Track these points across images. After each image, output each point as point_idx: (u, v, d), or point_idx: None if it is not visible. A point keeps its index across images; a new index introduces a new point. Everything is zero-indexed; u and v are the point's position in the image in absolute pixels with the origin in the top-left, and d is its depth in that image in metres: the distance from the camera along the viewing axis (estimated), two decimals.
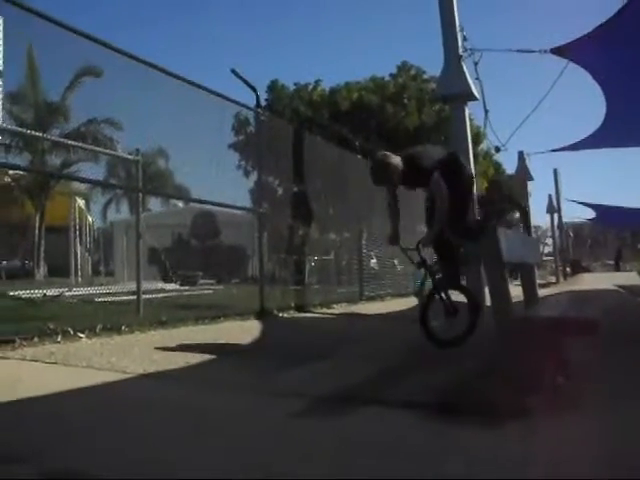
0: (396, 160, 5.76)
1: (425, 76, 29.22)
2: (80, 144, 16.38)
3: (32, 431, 2.99)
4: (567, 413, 3.23)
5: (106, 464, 2.56)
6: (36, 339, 5.48)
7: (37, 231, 27.98)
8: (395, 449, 2.84)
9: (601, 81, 10.72)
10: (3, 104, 5.86)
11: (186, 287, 16.92)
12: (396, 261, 14.51)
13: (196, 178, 9.02)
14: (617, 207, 27.43)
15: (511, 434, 2.99)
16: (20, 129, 16.19)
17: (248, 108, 9.90)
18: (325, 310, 10.19)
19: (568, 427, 3.03)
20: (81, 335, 5.93)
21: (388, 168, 5.73)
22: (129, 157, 9.09)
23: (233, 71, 9.29)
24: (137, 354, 5.20)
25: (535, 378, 3.79)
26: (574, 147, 16.17)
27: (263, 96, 17.82)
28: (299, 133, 11.25)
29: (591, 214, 33.97)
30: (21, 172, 24.58)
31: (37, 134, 17.51)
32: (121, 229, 25.67)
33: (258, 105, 9.95)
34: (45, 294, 11.41)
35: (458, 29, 9.63)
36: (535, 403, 3.35)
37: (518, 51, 11.10)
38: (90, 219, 26.50)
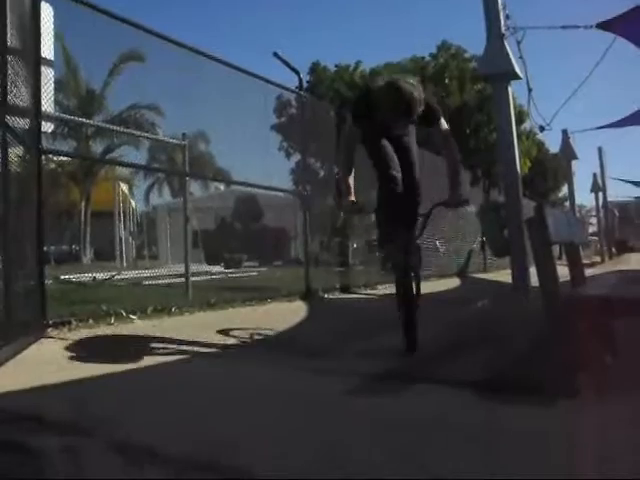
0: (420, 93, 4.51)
1: (466, 55, 28.98)
2: (128, 130, 16.59)
3: (100, 407, 3.09)
4: (617, 392, 3.24)
5: (172, 437, 2.65)
6: (91, 321, 5.61)
7: (83, 216, 28.47)
8: (446, 426, 2.89)
9: None
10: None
11: (231, 269, 17.07)
12: (437, 242, 14.49)
13: (238, 161, 9.08)
14: None
15: (561, 413, 3.01)
16: (69, 116, 16.46)
17: (291, 90, 9.94)
18: (369, 291, 10.22)
19: (617, 407, 3.05)
20: (133, 317, 6.06)
21: (416, 103, 4.45)
22: (175, 142, 9.20)
23: (275, 54, 9.33)
24: (189, 334, 5.32)
25: (584, 357, 3.79)
26: (620, 124, 15.98)
27: (305, 78, 17.82)
28: (340, 114, 11.26)
29: (638, 193, 33.48)
30: (65, 158, 24.85)
31: (83, 120, 17.81)
32: (164, 213, 25.92)
33: (300, 87, 9.98)
34: (95, 278, 11.62)
35: (501, 7, 9.56)
36: (584, 382, 3.37)
37: (562, 27, 10.95)
38: (133, 203, 26.85)
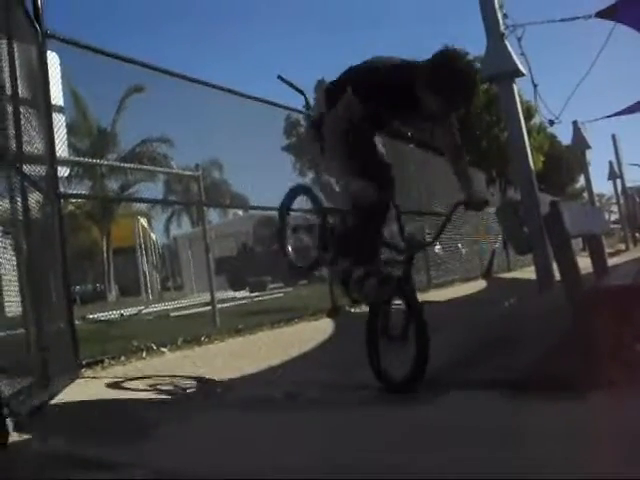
0: None
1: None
2: (139, 166, 16.75)
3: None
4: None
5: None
6: (123, 357, 5.67)
7: (105, 254, 28.68)
8: (481, 430, 2.92)
9: None
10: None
11: (256, 293, 17.13)
12: (460, 245, 14.48)
13: (253, 184, 9.14)
14: None
15: (595, 406, 3.01)
16: (84, 159, 16.68)
17: (297, 111, 10.02)
18: (395, 302, 10.21)
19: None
20: (164, 349, 6.11)
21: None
22: (189, 173, 9.30)
23: (280, 77, 9.41)
24: (220, 363, 5.37)
25: (612, 349, 3.80)
26: (630, 110, 15.93)
27: (312, 95, 17.88)
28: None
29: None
30: (82, 199, 25.13)
31: (97, 162, 18.00)
32: (185, 243, 26.10)
33: (307, 106, 10.05)
34: (122, 314, 11.72)
35: (497, 6, 9.59)
36: (615, 374, 3.37)
37: (561, 20, 10.96)
38: (154, 236, 27.03)
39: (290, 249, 4.73)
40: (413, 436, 2.96)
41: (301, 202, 4.93)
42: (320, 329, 7.27)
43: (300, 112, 10.02)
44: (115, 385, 4.69)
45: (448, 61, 3.79)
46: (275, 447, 2.91)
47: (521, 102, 10.66)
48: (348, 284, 4.24)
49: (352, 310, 8.93)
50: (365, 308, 9.21)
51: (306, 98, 9.88)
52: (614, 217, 39.28)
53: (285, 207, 4.92)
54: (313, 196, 4.69)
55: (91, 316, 11.30)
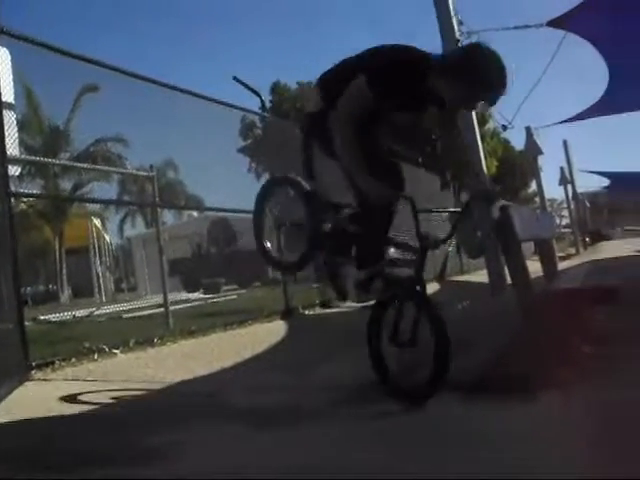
0: None
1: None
2: (93, 166, 16.60)
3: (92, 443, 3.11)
4: (598, 381, 3.32)
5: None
6: (74, 359, 5.61)
7: (57, 254, 28.24)
8: (437, 428, 2.96)
9: (601, 47, 10.77)
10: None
11: (210, 295, 17.06)
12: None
13: (208, 186, 9.12)
14: (631, 172, 27.36)
15: (547, 407, 3.07)
16: (35, 158, 16.43)
17: (253, 112, 10.02)
18: (349, 304, 10.25)
19: (602, 395, 3.12)
20: (116, 351, 6.06)
21: None
22: (143, 174, 9.24)
23: (235, 78, 9.40)
24: (172, 364, 5.35)
25: (561, 349, 3.87)
26: (580, 117, 16.21)
27: (267, 98, 17.87)
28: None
29: (606, 182, 33.85)
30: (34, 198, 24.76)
31: (49, 160, 17.76)
32: (139, 244, 25.87)
33: (263, 108, 10.07)
34: (74, 315, 11.57)
35: (453, 14, 9.70)
36: (564, 374, 3.44)
37: (515, 28, 11.12)
38: (107, 237, 26.74)
39: (270, 245, 4.51)
40: (360, 437, 2.99)
41: (283, 195, 4.54)
42: (274, 331, 7.27)
43: (256, 113, 10.03)
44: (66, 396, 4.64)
45: (485, 52, 3.57)
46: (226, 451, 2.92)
47: None
48: (338, 281, 4.22)
49: (306, 312, 8.97)
50: (320, 310, 9.35)
51: (262, 99, 9.90)
52: (565, 222, 39.92)
53: (263, 199, 4.55)
54: (300, 188, 4.24)
55: (42, 317, 11.16)
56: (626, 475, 2.19)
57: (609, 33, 10.07)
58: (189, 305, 12.50)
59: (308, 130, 4.16)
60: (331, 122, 3.72)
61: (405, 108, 3.86)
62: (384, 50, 3.81)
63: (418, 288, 3.69)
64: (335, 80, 3.86)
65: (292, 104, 26.95)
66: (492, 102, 3.65)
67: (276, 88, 28.86)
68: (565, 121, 17.77)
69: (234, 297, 15.31)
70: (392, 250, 4.08)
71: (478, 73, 3.47)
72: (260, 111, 9.94)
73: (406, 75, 3.57)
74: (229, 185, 8.92)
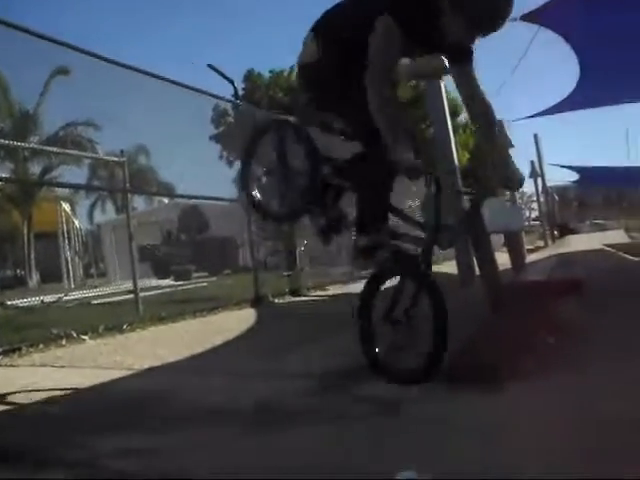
0: None
1: None
2: (62, 150, 16.43)
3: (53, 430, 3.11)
4: (561, 372, 3.38)
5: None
6: (42, 345, 5.59)
7: (26, 239, 27.96)
8: (405, 417, 3.00)
9: (572, 43, 10.85)
10: None
11: (180, 282, 17.01)
12: None
13: (180, 173, 9.10)
14: (599, 167, 27.65)
15: (510, 396, 3.10)
16: (2, 141, 16.24)
17: (226, 100, 9.99)
18: (319, 292, 10.32)
19: (563, 385, 3.18)
20: (84, 337, 6.05)
21: None
22: (114, 159, 9.19)
23: (210, 65, 9.39)
24: (141, 351, 5.34)
25: (526, 340, 3.92)
26: (551, 111, 16.29)
27: (240, 86, 17.81)
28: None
29: (575, 176, 34.14)
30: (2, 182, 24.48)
31: (17, 144, 17.58)
32: (109, 230, 25.71)
33: (236, 96, 10.04)
34: (43, 301, 11.49)
35: None
36: (530, 365, 3.49)
37: None
38: (77, 222, 26.48)
39: (259, 193, 4.06)
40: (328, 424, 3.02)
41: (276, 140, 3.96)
42: (243, 318, 7.28)
43: (229, 101, 10.00)
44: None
45: None
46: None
47: (448, 99, 10.84)
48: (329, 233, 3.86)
49: (276, 300, 9.00)
50: (290, 299, 9.37)
51: (235, 87, 9.88)
52: (534, 214, 40.28)
53: (254, 143, 4.13)
54: (303, 136, 3.78)
55: (10, 303, 11.07)
56: (586, 465, 2.25)
57: (581, 29, 10.15)
58: (159, 292, 12.46)
59: (306, 82, 3.72)
60: (367, 77, 3.21)
61: (422, 52, 3.60)
62: None
63: (423, 266, 3.48)
64: (341, 23, 3.44)
65: (265, 92, 26.85)
66: (495, 27, 3.20)
67: (250, 76, 28.69)
68: (536, 115, 17.85)
69: (204, 284, 15.28)
70: (397, 223, 3.87)
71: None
72: (233, 99, 9.90)
73: (430, 11, 3.17)
74: (200, 172, 8.90)
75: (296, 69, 3.72)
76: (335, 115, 3.75)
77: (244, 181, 4.11)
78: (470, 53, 3.52)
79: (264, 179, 4.09)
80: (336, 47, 3.36)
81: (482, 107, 3.60)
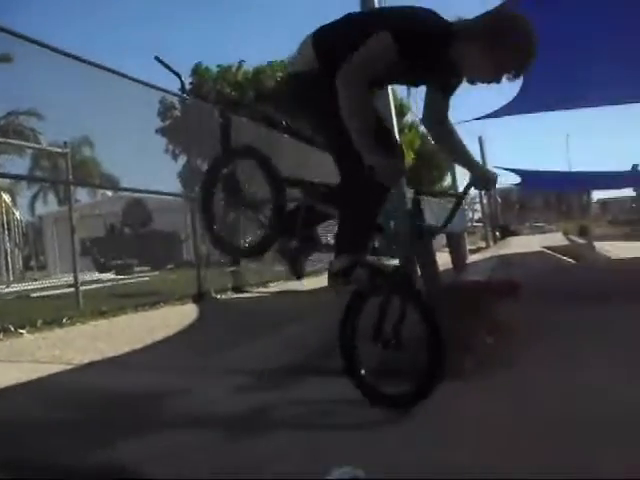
0: None
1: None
2: (4, 139, 16.13)
3: None
4: (497, 371, 3.47)
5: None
6: None
7: None
8: (332, 414, 3.05)
9: None
10: None
11: (122, 276, 16.82)
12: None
13: (125, 165, 9.00)
14: (541, 171, 28.14)
15: (446, 394, 3.16)
16: None
17: (172, 93, 9.93)
18: (262, 289, 10.33)
19: (498, 384, 3.26)
20: (22, 331, 5.96)
21: None
22: (57, 150, 9.06)
23: (157, 58, 9.33)
24: (81, 345, 5.29)
25: (466, 342, 3.99)
26: (495, 114, 16.50)
27: (187, 80, 17.73)
28: (225, 115, 11.28)
29: (517, 179, 34.76)
30: None
31: None
32: (50, 222, 25.28)
33: (183, 89, 9.99)
34: None
35: (377, 2, 9.77)
36: (468, 365, 3.57)
37: None
38: (17, 213, 25.98)
39: (217, 227, 3.88)
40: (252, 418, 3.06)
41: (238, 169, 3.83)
42: (185, 313, 7.25)
43: (174, 94, 9.94)
44: None
45: (513, 18, 3.09)
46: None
47: (394, 98, 10.94)
48: (297, 261, 3.73)
49: (218, 296, 8.98)
50: (232, 295, 9.35)
51: (182, 81, 9.84)
52: (477, 216, 40.94)
53: (214, 175, 3.93)
54: (266, 162, 3.65)
55: None
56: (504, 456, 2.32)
57: None
58: (101, 285, 12.31)
59: (296, 91, 3.49)
60: (341, 76, 3.05)
61: (416, 75, 3.40)
62: (409, 10, 3.26)
63: (409, 281, 3.31)
64: (344, 35, 3.27)
65: (213, 87, 26.70)
66: (521, 72, 3.09)
67: (197, 70, 28.49)
68: (480, 118, 18.08)
69: (147, 279, 15.15)
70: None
71: (508, 39, 2.98)
72: (179, 92, 9.85)
73: (433, 39, 3.06)
74: (146, 165, 8.84)
75: (287, 76, 3.52)
76: (321, 128, 3.51)
77: (205, 216, 3.91)
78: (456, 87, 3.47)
79: (225, 212, 3.96)
80: (335, 60, 3.14)
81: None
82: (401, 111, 22.84)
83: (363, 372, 3.29)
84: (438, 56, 3.09)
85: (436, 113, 3.55)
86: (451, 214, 3.56)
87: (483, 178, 3.53)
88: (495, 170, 3.47)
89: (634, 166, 20.66)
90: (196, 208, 9.64)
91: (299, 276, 3.97)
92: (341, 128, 3.09)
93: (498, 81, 3.08)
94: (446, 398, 3.04)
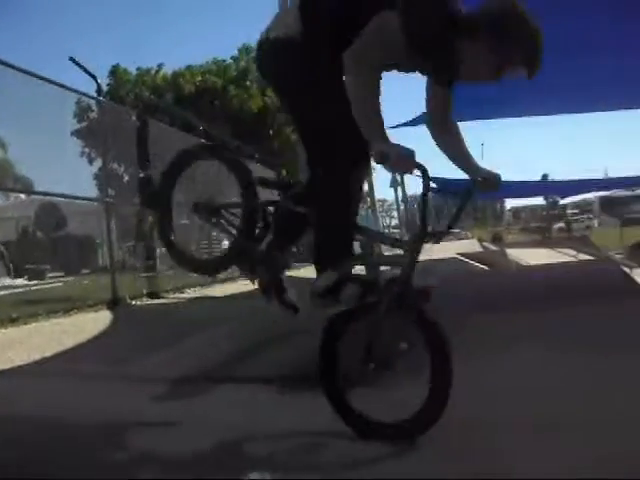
0: None
1: None
2: None
3: None
4: (410, 376, 3.55)
5: None
6: None
7: None
8: (250, 422, 3.08)
9: None
10: None
11: (35, 281, 16.42)
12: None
13: (39, 168, 8.82)
14: (456, 179, 28.73)
15: (358, 399, 3.21)
16: None
17: (88, 96, 9.77)
18: (178, 295, 10.24)
19: (412, 389, 3.34)
20: None
21: None
22: None
23: (72, 59, 9.16)
24: None
25: (378, 347, 4.05)
26: (413, 123, 16.79)
27: (105, 82, 17.48)
28: (143, 118, 11.17)
29: (434, 186, 35.38)
30: None
31: None
32: None
33: (99, 92, 9.85)
34: None
35: None
36: (381, 369, 3.63)
37: None
38: None
39: (175, 239, 3.56)
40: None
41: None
42: (98, 320, 7.15)
43: (90, 97, 9.80)
44: None
45: (522, 9, 2.72)
46: None
47: None
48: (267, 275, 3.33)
49: (133, 302, 8.88)
50: (147, 301, 9.26)
51: (98, 83, 9.71)
52: (394, 222, 41.51)
53: (172, 177, 3.59)
54: (233, 162, 3.31)
55: None
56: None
57: None
58: (11, 292, 11.99)
59: (271, 60, 3.09)
60: (351, 56, 2.74)
61: (415, 68, 3.09)
62: None
63: (410, 296, 2.91)
64: (336, 3, 2.93)
65: (131, 89, 26.41)
66: (532, 73, 2.75)
67: (115, 72, 28.09)
68: (397, 126, 18.36)
69: (60, 284, 14.83)
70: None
71: (515, 33, 2.68)
72: (95, 95, 9.70)
73: (441, 30, 2.73)
74: (61, 168, 8.68)
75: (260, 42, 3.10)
76: (295, 105, 3.10)
77: (162, 224, 3.58)
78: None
79: (186, 219, 3.56)
80: (327, 26, 2.89)
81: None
82: None
83: (355, 404, 3.00)
84: (444, 47, 2.77)
85: (437, 109, 3.33)
86: (455, 216, 3.40)
87: (487, 181, 3.29)
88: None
89: (544, 176, 21.35)
90: (111, 212, 9.53)
91: (266, 292, 3.45)
92: (319, 104, 2.87)
93: (497, 79, 2.81)
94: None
